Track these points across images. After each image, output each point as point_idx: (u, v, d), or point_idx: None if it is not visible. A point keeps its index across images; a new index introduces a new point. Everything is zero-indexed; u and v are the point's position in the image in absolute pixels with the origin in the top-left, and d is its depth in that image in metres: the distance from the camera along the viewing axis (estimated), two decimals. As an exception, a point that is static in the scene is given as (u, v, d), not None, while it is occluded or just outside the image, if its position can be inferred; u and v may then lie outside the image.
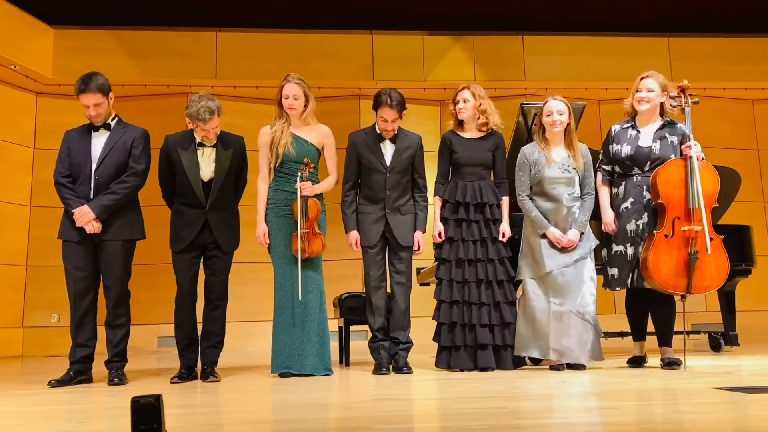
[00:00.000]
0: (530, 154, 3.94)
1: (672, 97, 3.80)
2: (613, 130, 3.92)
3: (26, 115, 7.40)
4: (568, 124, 3.91)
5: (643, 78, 3.86)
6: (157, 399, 1.70)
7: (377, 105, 3.94)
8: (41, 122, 7.46)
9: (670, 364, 3.66)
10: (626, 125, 3.88)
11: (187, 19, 7.54)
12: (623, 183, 3.81)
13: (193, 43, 7.41)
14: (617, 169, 3.84)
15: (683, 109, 3.74)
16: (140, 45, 7.36)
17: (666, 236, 3.53)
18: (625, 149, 3.78)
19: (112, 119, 3.78)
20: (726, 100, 8.04)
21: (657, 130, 3.79)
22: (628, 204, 3.76)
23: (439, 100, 8.04)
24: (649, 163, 3.73)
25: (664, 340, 3.79)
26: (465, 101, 4.00)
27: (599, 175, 3.92)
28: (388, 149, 3.98)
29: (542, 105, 3.96)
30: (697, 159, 3.59)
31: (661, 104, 3.81)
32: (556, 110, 3.87)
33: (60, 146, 3.77)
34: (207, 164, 3.79)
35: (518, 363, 3.91)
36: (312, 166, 3.88)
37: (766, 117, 8.33)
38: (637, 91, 3.83)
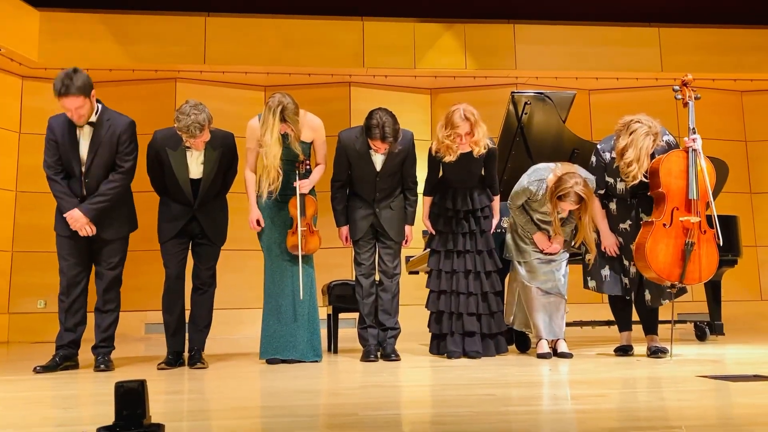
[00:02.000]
0: (536, 191, 3.83)
1: (675, 90, 3.81)
2: (604, 157, 3.80)
3: (12, 99, 7.30)
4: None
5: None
6: (141, 384, 1.69)
7: (369, 135, 3.72)
8: (27, 106, 7.37)
9: (656, 352, 3.69)
10: (615, 154, 3.72)
11: (176, 4, 7.45)
12: (615, 200, 3.84)
13: (182, 28, 7.32)
14: (611, 193, 3.84)
15: (686, 103, 3.76)
16: (128, 29, 7.26)
17: (664, 225, 3.55)
18: (620, 185, 3.77)
19: (96, 113, 3.60)
20: (715, 91, 8.07)
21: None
22: (626, 226, 3.80)
23: (430, 88, 8.02)
24: (643, 191, 3.76)
25: (650, 329, 3.84)
26: (467, 135, 3.75)
27: (596, 202, 3.81)
28: (378, 157, 3.85)
29: (561, 190, 3.65)
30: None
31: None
32: (568, 210, 3.74)
33: (45, 134, 3.65)
34: (196, 165, 3.74)
35: (509, 340, 4.09)
36: (308, 163, 3.84)
37: (755, 108, 8.37)
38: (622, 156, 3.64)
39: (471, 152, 3.83)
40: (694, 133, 3.64)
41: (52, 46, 7.08)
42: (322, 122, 3.95)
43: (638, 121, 3.62)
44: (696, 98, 3.78)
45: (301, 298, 3.77)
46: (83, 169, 3.60)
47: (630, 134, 3.60)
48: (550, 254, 3.91)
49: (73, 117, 3.52)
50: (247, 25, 7.40)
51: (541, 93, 4.71)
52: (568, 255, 4.00)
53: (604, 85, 8.06)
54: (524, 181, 3.88)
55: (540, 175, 3.84)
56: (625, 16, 7.93)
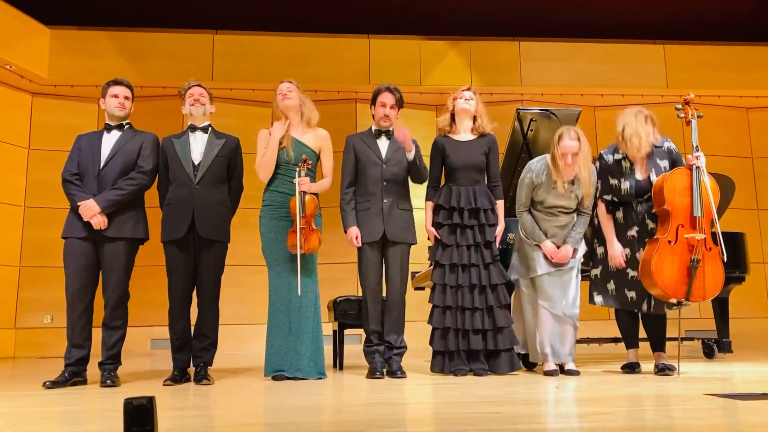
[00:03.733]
0: (538, 174, 3.88)
1: (678, 109, 3.84)
2: (606, 160, 3.87)
3: (21, 115, 7.38)
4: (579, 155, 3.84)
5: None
6: (150, 401, 1.70)
7: (376, 93, 4.08)
8: (36, 122, 7.45)
9: (663, 369, 3.68)
10: (618, 156, 3.82)
11: (184, 21, 7.55)
12: (622, 208, 3.85)
13: (189, 45, 7.41)
14: (616, 198, 3.86)
15: (688, 121, 3.79)
16: (136, 46, 7.35)
17: (670, 242, 3.56)
18: (625, 185, 3.79)
19: (127, 123, 3.90)
20: (721, 107, 8.09)
21: (648, 159, 3.80)
22: (633, 233, 3.81)
23: (435, 105, 8.06)
24: (648, 193, 3.77)
25: (658, 346, 3.82)
26: (470, 99, 4.04)
27: (602, 206, 3.87)
28: (383, 143, 4.03)
29: (558, 134, 3.84)
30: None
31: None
32: (571, 153, 3.79)
33: (71, 148, 3.84)
34: (198, 146, 3.86)
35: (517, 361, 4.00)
36: (310, 163, 3.88)
37: (761, 125, 8.38)
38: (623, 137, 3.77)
39: (474, 139, 4.00)
40: (698, 150, 3.67)
41: (62, 63, 7.18)
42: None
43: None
44: (698, 116, 3.81)
45: (299, 293, 3.74)
46: (101, 165, 3.72)
47: (623, 117, 3.77)
48: (559, 264, 3.88)
49: (118, 102, 3.85)
50: (254, 43, 7.49)
51: (546, 110, 4.73)
52: (578, 272, 3.95)
53: (609, 102, 8.09)
54: (524, 171, 3.97)
55: (537, 159, 4.00)
56: (630, 34, 7.98)
